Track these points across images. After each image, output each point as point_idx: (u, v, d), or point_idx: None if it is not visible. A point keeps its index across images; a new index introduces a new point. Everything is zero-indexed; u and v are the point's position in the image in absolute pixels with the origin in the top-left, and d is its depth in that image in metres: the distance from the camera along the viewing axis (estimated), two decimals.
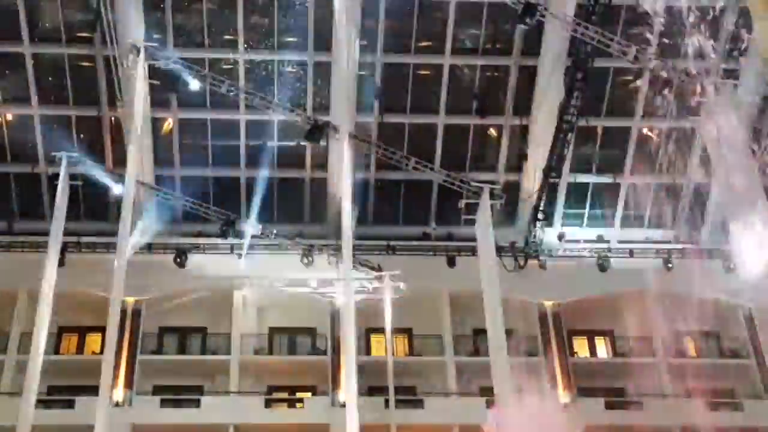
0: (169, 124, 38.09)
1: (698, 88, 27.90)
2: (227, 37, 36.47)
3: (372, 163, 38.22)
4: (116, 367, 32.17)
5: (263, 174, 37.60)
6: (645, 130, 38.69)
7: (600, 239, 39.61)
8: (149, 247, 37.42)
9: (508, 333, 31.53)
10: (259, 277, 37.19)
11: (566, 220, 39.59)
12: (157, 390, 36.23)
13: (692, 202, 38.77)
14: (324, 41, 35.96)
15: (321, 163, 38.64)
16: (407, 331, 38.64)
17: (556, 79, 35.18)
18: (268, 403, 35.90)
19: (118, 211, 31.12)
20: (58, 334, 36.79)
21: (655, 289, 35.80)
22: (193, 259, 37.40)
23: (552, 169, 36.15)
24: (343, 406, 30.56)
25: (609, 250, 38.81)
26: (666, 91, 31.12)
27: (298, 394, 37.01)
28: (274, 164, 38.63)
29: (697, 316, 34.27)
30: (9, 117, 37.64)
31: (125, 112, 34.44)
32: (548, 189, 36.96)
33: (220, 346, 37.29)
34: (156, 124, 37.75)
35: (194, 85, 33.76)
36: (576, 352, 38.67)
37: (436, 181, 36.99)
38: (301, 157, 38.85)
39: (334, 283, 36.19)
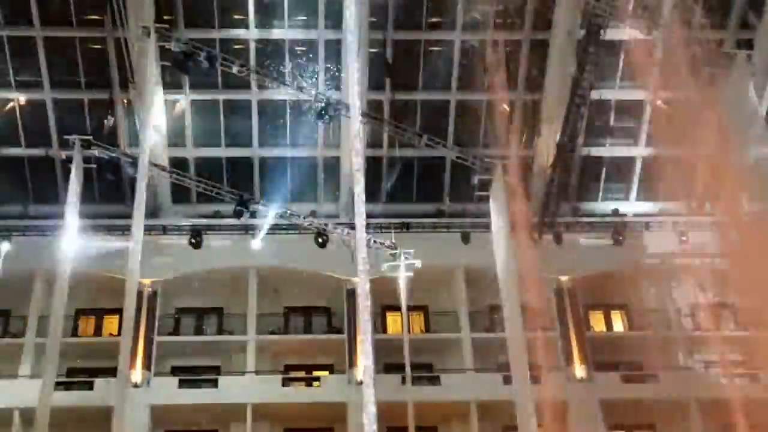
0: (181, 105, 38.14)
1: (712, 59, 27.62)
2: (237, 16, 36.40)
3: (384, 141, 38.14)
4: (134, 348, 32.29)
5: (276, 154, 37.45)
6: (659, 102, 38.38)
7: (615, 213, 39.44)
8: (164, 229, 37.65)
9: (524, 308, 31.45)
10: (274, 256, 37.32)
11: (580, 194, 39.41)
12: (174, 371, 36.47)
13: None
14: (334, 19, 35.79)
15: (333, 142, 38.60)
16: (423, 309, 38.69)
17: (569, 52, 34.95)
18: (286, 382, 36.08)
19: (132, 193, 31.13)
20: (75, 317, 37.02)
21: (670, 262, 35.65)
22: (208, 240, 37.50)
23: (565, 143, 35.93)
24: (360, 384, 30.48)
25: (624, 224, 38.63)
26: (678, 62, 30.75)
27: (315, 373, 37.08)
28: (286, 144, 38.70)
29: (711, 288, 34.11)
30: (22, 101, 37.62)
31: (137, 94, 34.48)
32: (562, 163, 36.77)
33: (236, 326, 37.48)
34: (168, 105, 37.82)
35: (205, 65, 33.61)
36: (592, 327, 38.64)
37: (449, 157, 36.86)
38: (314, 137, 38.82)
39: (348, 262, 36.13)
